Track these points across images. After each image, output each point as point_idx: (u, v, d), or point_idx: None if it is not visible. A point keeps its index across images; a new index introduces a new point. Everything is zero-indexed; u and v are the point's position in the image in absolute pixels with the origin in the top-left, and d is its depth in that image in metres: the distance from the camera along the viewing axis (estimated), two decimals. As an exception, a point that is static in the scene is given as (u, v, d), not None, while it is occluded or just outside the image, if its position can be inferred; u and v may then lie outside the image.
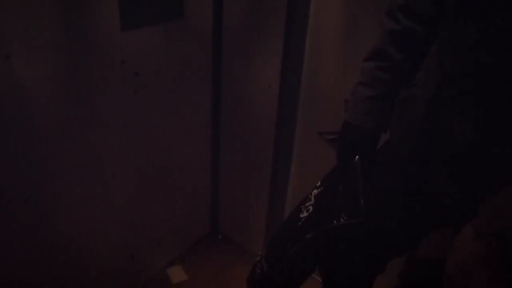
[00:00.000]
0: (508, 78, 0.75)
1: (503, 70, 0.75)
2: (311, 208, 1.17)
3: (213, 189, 2.03)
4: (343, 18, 1.44)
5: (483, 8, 0.75)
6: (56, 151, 1.29)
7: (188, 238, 2.05)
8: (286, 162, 1.80)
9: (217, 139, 1.89)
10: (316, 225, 1.13)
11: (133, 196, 1.63)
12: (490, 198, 0.63)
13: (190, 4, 1.51)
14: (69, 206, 1.40)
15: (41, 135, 1.23)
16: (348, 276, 1.21)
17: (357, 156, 1.07)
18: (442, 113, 0.87)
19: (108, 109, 1.38)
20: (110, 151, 1.46)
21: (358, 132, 1.06)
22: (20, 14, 1.07)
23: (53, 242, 1.40)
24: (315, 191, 1.20)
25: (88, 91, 1.30)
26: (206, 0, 1.58)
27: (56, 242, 1.41)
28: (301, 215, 1.17)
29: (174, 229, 1.92)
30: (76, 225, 1.45)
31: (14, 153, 1.19)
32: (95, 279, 1.61)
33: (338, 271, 1.22)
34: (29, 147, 1.21)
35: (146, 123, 1.54)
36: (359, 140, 1.08)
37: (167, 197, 1.79)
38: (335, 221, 1.08)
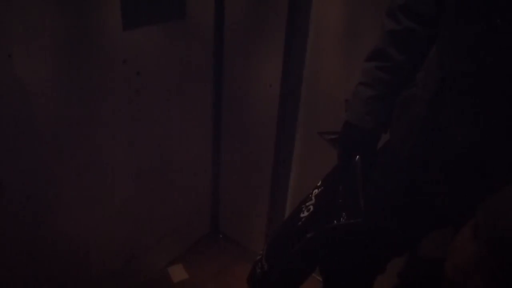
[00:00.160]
0: (508, 78, 0.75)
1: (504, 70, 0.75)
2: (311, 207, 1.17)
3: (213, 188, 2.03)
4: (344, 18, 1.44)
5: (483, 8, 0.75)
6: (57, 150, 1.29)
7: (189, 237, 2.06)
8: (287, 162, 1.80)
9: (218, 139, 1.90)
10: (317, 224, 1.13)
11: (134, 195, 1.63)
12: (489, 199, 0.63)
13: (192, 4, 1.51)
14: (70, 205, 1.40)
15: (42, 134, 1.24)
16: (348, 276, 1.22)
17: (357, 156, 1.07)
18: (442, 113, 0.87)
19: (109, 108, 1.39)
20: (111, 150, 1.46)
21: (358, 132, 1.07)
22: (23, 14, 1.07)
23: (54, 241, 1.40)
24: (316, 190, 1.20)
25: (89, 90, 1.31)
26: (207, 0, 1.58)
27: (57, 240, 1.41)
28: (302, 215, 1.18)
29: (175, 228, 1.92)
30: (77, 224, 1.46)
31: (15, 151, 1.19)
32: (96, 278, 1.62)
33: (338, 271, 1.23)
34: (31, 145, 1.22)
35: (147, 122, 1.54)
36: (359, 140, 1.08)
37: (168, 196, 1.80)
38: (335, 221, 1.08)
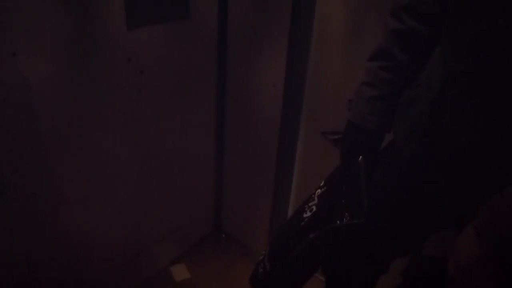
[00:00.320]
0: (508, 79, 0.75)
1: (504, 70, 0.75)
2: (314, 208, 1.17)
3: (216, 188, 2.03)
4: (347, 18, 1.44)
5: (484, 8, 0.75)
6: (60, 149, 1.30)
7: (192, 237, 2.06)
8: (290, 162, 1.80)
9: (221, 138, 1.90)
10: (319, 225, 1.13)
11: (137, 194, 1.63)
12: (490, 199, 0.63)
13: (196, 4, 1.51)
14: (72, 204, 1.40)
15: (45, 133, 1.24)
16: (351, 276, 1.21)
17: (360, 156, 1.07)
18: (446, 113, 0.87)
19: (112, 107, 1.39)
20: (114, 149, 1.46)
21: (361, 132, 1.06)
22: (27, 13, 1.08)
23: (56, 240, 1.41)
24: (319, 191, 1.20)
25: (93, 89, 1.31)
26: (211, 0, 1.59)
27: (59, 239, 1.42)
28: (305, 215, 1.18)
29: (178, 227, 1.92)
30: (80, 223, 1.46)
31: (18, 150, 1.19)
32: (98, 277, 1.62)
33: (341, 271, 1.22)
34: (33, 144, 1.22)
35: (150, 121, 1.54)
36: (362, 140, 1.08)
37: (171, 196, 1.80)
38: (338, 221, 1.08)
